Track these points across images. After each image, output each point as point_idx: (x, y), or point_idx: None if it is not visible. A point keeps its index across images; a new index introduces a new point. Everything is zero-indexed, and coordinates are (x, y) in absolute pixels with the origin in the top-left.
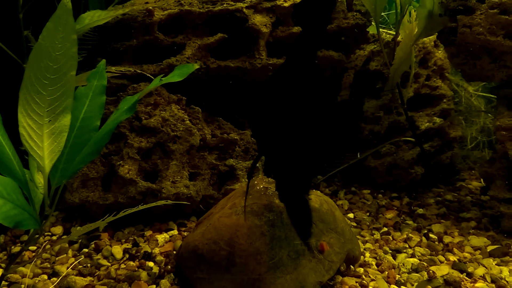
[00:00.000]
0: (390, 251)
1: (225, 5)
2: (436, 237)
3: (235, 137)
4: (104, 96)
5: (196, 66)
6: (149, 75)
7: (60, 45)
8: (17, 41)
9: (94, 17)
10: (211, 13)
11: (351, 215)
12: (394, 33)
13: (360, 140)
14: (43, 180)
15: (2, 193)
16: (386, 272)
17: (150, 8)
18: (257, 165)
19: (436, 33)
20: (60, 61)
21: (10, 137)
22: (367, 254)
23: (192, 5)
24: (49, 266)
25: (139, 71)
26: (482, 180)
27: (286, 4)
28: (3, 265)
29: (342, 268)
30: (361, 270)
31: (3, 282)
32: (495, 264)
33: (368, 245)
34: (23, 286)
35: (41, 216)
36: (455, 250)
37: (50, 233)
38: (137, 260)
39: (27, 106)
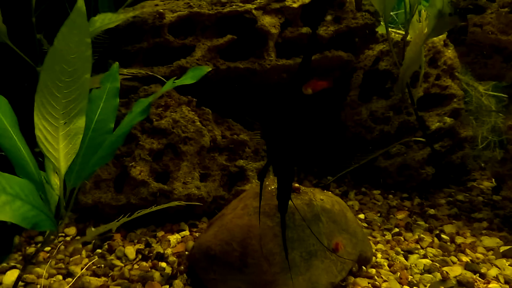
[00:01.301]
0: (402, 252)
1: (234, 6)
2: (448, 238)
3: (245, 138)
4: (117, 98)
5: (208, 69)
6: (160, 77)
7: (75, 49)
8: (30, 45)
9: (105, 20)
10: (220, 14)
11: (362, 216)
12: (403, 32)
13: (370, 141)
14: (58, 182)
15: (20, 195)
16: (399, 273)
17: (161, 11)
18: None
19: (446, 32)
20: (75, 64)
21: (25, 139)
22: (379, 255)
23: (201, 7)
24: (63, 266)
25: (150, 73)
26: (493, 180)
27: (295, 5)
28: (18, 265)
29: (354, 269)
30: (373, 271)
31: (20, 283)
32: (508, 265)
33: (379, 245)
34: (39, 286)
35: (57, 217)
36: (467, 250)
37: (63, 234)
38: (150, 260)
39: (43, 109)
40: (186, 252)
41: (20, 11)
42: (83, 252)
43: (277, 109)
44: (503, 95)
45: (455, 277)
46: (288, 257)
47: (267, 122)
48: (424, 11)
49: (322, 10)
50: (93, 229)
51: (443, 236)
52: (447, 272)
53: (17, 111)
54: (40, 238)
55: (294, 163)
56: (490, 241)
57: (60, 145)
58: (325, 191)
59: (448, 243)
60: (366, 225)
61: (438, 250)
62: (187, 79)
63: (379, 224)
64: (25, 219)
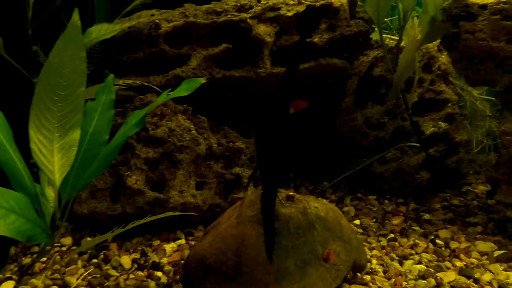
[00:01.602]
0: (397, 258)
1: (229, 15)
2: (443, 243)
3: (241, 146)
4: (112, 110)
5: (203, 81)
6: (156, 88)
7: (69, 63)
8: (26, 56)
9: (102, 31)
10: (216, 24)
11: (357, 222)
12: (397, 38)
13: (365, 146)
14: (53, 194)
15: (14, 209)
16: (393, 279)
17: (157, 21)
18: None
19: (439, 39)
20: (69, 78)
21: (20, 150)
22: (374, 261)
23: (196, 17)
24: (59, 277)
25: (146, 83)
26: (488, 184)
27: (289, 14)
28: (14, 276)
29: (348, 276)
30: (368, 277)
31: None
32: (502, 270)
33: (374, 252)
34: None
35: (52, 229)
36: (461, 255)
37: (59, 244)
38: (146, 270)
39: (38, 122)
40: (182, 261)
41: (16, 23)
42: (79, 262)
43: (267, 118)
44: (496, 99)
45: (449, 282)
46: (271, 257)
47: (258, 130)
48: (417, 18)
49: (310, 27)
50: (88, 239)
51: (437, 241)
52: (441, 278)
53: (13, 124)
54: (36, 249)
55: (281, 170)
56: (484, 245)
57: (55, 157)
58: (319, 198)
59: (443, 248)
60: (361, 231)
61: (433, 255)
62: (182, 91)
63: (374, 230)
64: (19, 233)
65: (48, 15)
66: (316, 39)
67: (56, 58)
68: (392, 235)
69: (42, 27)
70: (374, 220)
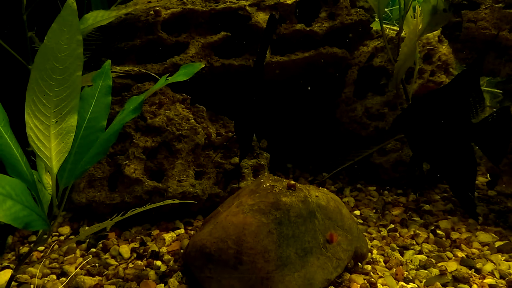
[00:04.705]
0: (398, 248)
1: (228, 3)
2: (444, 233)
3: None
4: (110, 96)
5: (201, 65)
6: (154, 75)
7: (65, 46)
8: (21, 42)
9: (98, 17)
10: (214, 11)
11: (357, 212)
12: (397, 28)
13: (365, 137)
14: (51, 181)
15: (11, 195)
16: (394, 269)
17: (157, 8)
18: (263, 163)
19: (440, 28)
20: (66, 62)
21: (17, 138)
22: (375, 251)
23: (195, 4)
24: (57, 266)
25: (144, 71)
26: (488, 175)
27: (289, 2)
28: (12, 265)
29: (349, 265)
30: (369, 267)
31: (13, 283)
32: (504, 260)
33: (375, 242)
34: (32, 286)
35: (50, 217)
36: (463, 246)
37: (57, 233)
38: (145, 259)
39: (34, 107)
40: (182, 250)
41: (11, 8)
42: (77, 251)
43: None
44: (497, 90)
45: (451, 272)
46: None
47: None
48: (419, 7)
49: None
50: (86, 228)
51: (438, 231)
52: (445, 267)
53: (9, 110)
54: (33, 238)
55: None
56: (485, 236)
57: (52, 143)
58: (320, 188)
59: (444, 239)
60: (361, 221)
61: (434, 245)
62: (180, 76)
63: (374, 220)
64: (16, 219)
65: (44, 1)
66: (316, 28)
67: (51, 41)
68: (392, 226)
69: (37, 12)
70: (374, 210)
